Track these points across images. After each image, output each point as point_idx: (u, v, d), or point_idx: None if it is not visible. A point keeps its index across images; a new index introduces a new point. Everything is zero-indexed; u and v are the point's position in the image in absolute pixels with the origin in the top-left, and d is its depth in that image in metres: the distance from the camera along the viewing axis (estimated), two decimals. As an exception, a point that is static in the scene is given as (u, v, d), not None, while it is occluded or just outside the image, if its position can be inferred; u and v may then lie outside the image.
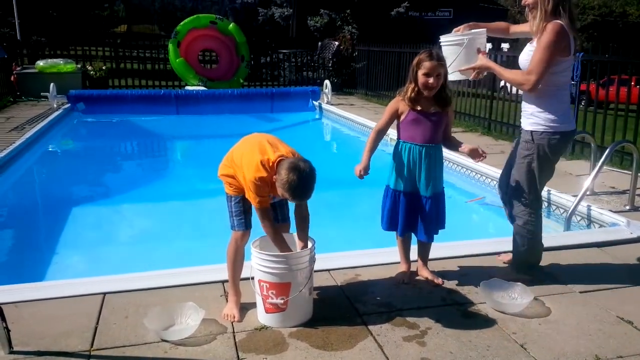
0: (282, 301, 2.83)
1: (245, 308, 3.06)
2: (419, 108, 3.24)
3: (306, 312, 2.96)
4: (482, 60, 3.37)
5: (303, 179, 2.69)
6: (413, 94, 3.22)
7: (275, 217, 3.11)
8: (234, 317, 2.98)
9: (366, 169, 3.24)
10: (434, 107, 3.25)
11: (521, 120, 3.39)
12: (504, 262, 3.74)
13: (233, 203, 3.01)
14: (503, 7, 30.88)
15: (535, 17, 3.17)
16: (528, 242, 3.43)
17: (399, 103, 3.30)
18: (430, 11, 24.38)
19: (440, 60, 3.15)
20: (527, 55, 3.24)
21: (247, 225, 3.03)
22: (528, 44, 3.33)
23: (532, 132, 3.27)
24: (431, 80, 3.14)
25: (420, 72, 3.16)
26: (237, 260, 3.06)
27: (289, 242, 3.04)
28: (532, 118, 3.27)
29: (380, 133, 3.36)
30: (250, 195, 2.84)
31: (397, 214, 3.35)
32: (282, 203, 3.13)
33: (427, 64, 3.13)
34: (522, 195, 3.36)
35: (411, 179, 3.30)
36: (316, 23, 19.54)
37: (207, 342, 2.73)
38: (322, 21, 19.41)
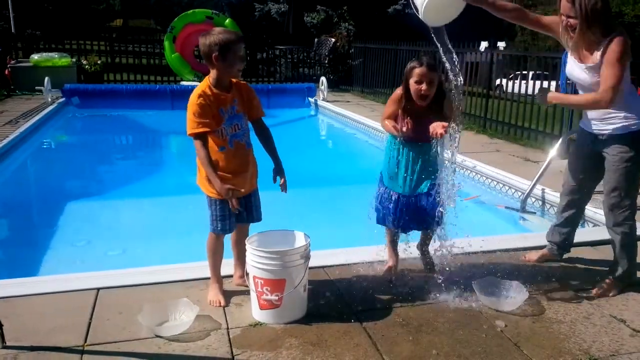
0: (276, 297, 2.83)
1: (239, 304, 3.07)
2: (413, 114, 3.19)
3: (300, 308, 2.96)
4: (552, 94, 3.22)
5: (224, 28, 2.90)
6: (407, 105, 3.17)
7: (251, 218, 3.19)
8: (219, 302, 3.06)
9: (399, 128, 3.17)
10: (430, 112, 3.17)
11: (600, 125, 3.17)
12: (530, 261, 3.76)
13: (217, 207, 3.02)
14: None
15: (583, 34, 3.00)
16: (636, 248, 3.34)
17: (398, 101, 3.24)
18: (427, 9, 24.35)
19: (430, 68, 3.07)
20: (584, 74, 3.10)
21: (230, 229, 3.10)
22: (573, 60, 3.17)
23: (631, 133, 3.08)
24: (423, 86, 3.08)
25: (411, 80, 3.11)
26: (216, 252, 3.16)
27: (280, 239, 3.06)
28: (626, 121, 3.09)
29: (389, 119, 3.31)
30: (189, 119, 2.85)
31: (390, 211, 3.34)
32: (257, 205, 3.19)
33: (416, 71, 3.08)
34: (626, 201, 3.20)
35: (404, 176, 3.28)
36: (313, 19, 19.49)
37: (201, 338, 2.73)
38: (319, 17, 19.37)
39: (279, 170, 3.13)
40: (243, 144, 3.04)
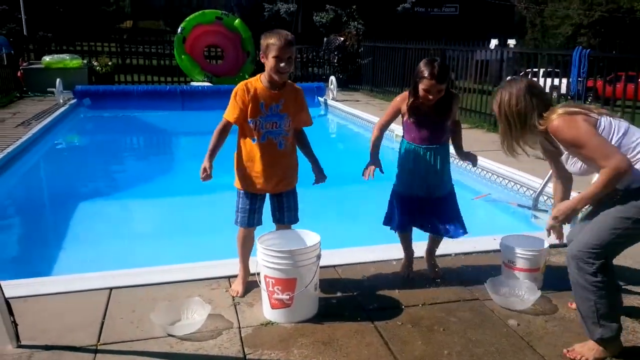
0: (287, 297, 2.84)
1: (251, 303, 3.08)
2: (417, 115, 3.21)
3: (312, 307, 2.97)
4: (563, 207, 2.67)
5: (274, 29, 3.01)
6: (413, 104, 3.19)
7: (282, 219, 3.21)
8: (237, 292, 3.17)
9: (376, 167, 3.22)
10: (436, 111, 3.19)
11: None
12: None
13: (240, 199, 3.13)
14: (509, 3, 30.70)
15: (532, 133, 2.62)
16: None
17: (403, 102, 3.25)
18: (437, 7, 24.32)
19: (439, 81, 3.03)
20: (577, 163, 2.65)
21: (249, 223, 3.15)
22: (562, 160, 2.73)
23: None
24: (430, 97, 3.09)
25: (420, 86, 3.09)
26: (243, 245, 3.23)
27: (291, 238, 3.08)
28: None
29: (383, 129, 3.35)
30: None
31: (401, 214, 3.33)
32: (289, 206, 3.21)
33: (426, 82, 3.05)
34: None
35: (416, 180, 3.27)
36: (322, 19, 19.51)
37: (212, 337, 2.74)
38: (328, 17, 19.38)
39: (315, 171, 3.24)
40: (275, 144, 3.07)
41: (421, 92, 3.09)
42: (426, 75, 3.03)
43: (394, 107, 3.31)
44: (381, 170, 3.22)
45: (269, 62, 2.94)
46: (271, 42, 2.90)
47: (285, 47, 2.90)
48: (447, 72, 3.09)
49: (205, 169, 2.92)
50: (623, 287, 3.28)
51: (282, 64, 2.92)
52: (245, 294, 3.18)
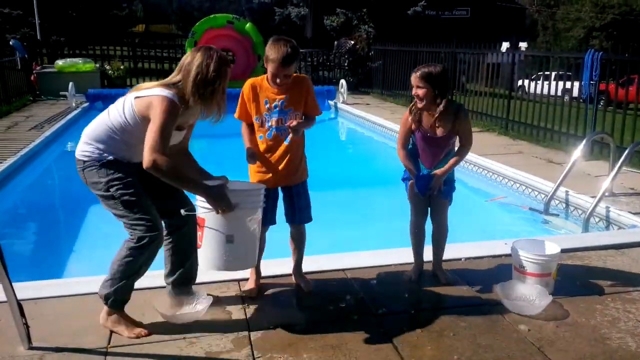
0: (199, 235, 2.80)
1: (261, 308, 3.09)
2: (423, 126, 3.23)
3: (226, 260, 2.78)
4: None
5: (280, 38, 3.01)
6: (414, 111, 3.23)
7: (294, 218, 3.24)
8: (248, 294, 3.18)
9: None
10: (439, 126, 3.20)
11: None
12: None
13: None
14: (521, 5, 30.57)
15: None
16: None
17: (408, 119, 3.29)
18: (448, 10, 24.25)
19: (421, 76, 3.07)
20: None
21: (264, 222, 3.10)
22: None
23: None
24: (413, 91, 3.14)
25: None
26: None
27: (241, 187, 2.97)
28: None
29: (405, 145, 3.33)
30: None
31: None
32: (300, 205, 3.22)
33: (411, 77, 3.13)
34: None
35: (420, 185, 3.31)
36: (332, 22, 19.51)
37: (222, 340, 2.74)
38: (339, 20, 19.37)
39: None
40: (282, 139, 3.10)
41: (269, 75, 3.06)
42: (414, 71, 3.12)
43: (404, 126, 3.32)
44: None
45: (268, 72, 3.04)
46: (270, 57, 2.95)
47: (282, 67, 2.94)
48: (434, 71, 3.09)
49: (252, 155, 3.06)
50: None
51: (277, 80, 3.00)
52: (255, 296, 3.18)
